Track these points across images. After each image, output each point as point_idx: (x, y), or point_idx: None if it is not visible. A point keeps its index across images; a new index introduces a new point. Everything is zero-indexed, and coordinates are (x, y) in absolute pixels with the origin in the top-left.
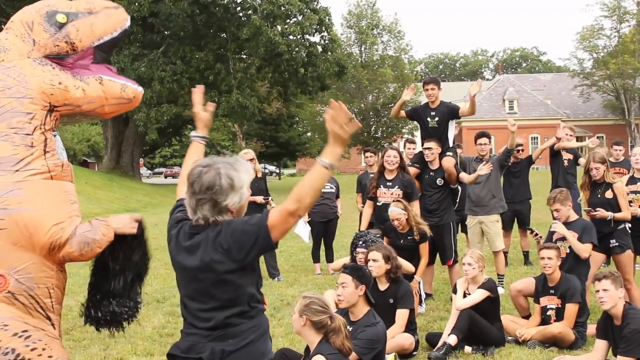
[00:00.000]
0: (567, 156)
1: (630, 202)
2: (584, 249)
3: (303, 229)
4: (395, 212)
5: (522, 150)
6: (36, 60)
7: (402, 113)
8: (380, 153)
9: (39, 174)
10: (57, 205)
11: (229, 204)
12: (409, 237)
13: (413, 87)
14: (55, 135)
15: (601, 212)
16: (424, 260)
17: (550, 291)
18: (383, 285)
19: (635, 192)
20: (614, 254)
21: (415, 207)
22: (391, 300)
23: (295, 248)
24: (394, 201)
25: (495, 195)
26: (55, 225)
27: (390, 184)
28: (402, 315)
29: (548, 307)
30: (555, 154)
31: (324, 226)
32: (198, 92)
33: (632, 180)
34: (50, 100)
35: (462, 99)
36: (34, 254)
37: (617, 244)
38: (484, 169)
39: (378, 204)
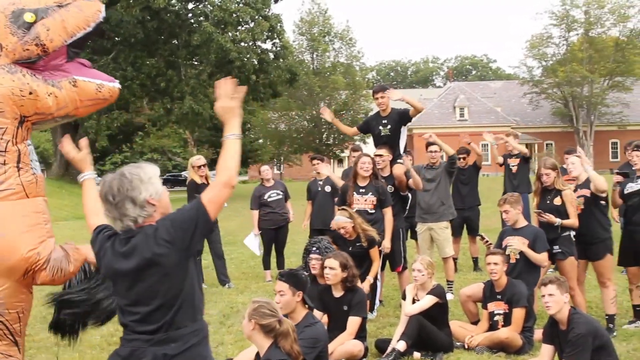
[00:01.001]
0: (513, 162)
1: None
2: (542, 259)
3: (253, 241)
4: (341, 221)
5: (466, 157)
6: (4, 68)
7: (355, 130)
8: (342, 159)
9: (13, 194)
10: (32, 228)
11: (146, 196)
12: (357, 244)
13: (324, 108)
14: (29, 145)
15: (550, 217)
16: (376, 263)
17: (497, 297)
18: (338, 293)
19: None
20: (557, 260)
21: (389, 213)
22: (345, 308)
23: (246, 255)
24: (339, 210)
25: (444, 203)
26: (30, 250)
27: (363, 190)
28: (353, 322)
29: (495, 312)
30: (504, 161)
31: (274, 233)
32: (65, 141)
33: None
34: (20, 111)
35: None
36: (8, 279)
37: (559, 250)
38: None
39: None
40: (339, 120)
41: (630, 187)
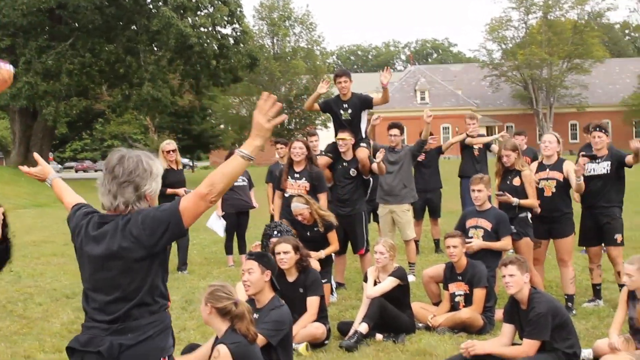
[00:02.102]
0: (478, 145)
1: (542, 189)
2: (506, 245)
3: (217, 223)
4: (298, 208)
5: (435, 140)
6: None
7: (316, 106)
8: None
9: None
10: None
11: (147, 190)
12: (315, 229)
13: (328, 81)
14: None
15: (507, 197)
16: (333, 246)
17: (458, 278)
18: (292, 277)
19: (547, 179)
20: (513, 241)
21: (323, 199)
22: (301, 290)
23: (208, 240)
24: (295, 196)
25: (406, 185)
26: None
27: (297, 175)
28: (312, 302)
29: (456, 293)
30: (465, 146)
31: (236, 218)
32: (25, 169)
33: (541, 167)
34: None
35: (374, 89)
36: None
37: (514, 230)
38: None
39: (286, 195)
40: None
41: (593, 170)
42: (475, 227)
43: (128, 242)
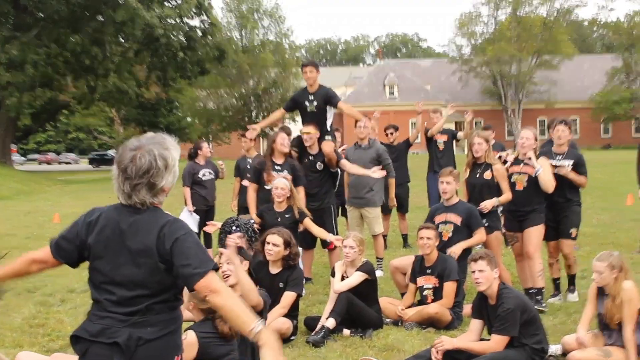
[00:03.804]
0: (441, 138)
1: (514, 182)
2: (479, 239)
3: (188, 219)
4: (281, 182)
5: (394, 132)
6: None
7: (283, 111)
8: (267, 138)
9: None
10: None
11: (164, 184)
12: (286, 215)
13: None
14: None
15: (489, 203)
16: (319, 230)
17: (427, 271)
18: (275, 269)
19: (519, 173)
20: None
21: (301, 192)
22: (281, 285)
23: None
24: (277, 175)
25: (373, 188)
26: None
27: (279, 167)
28: (288, 297)
29: (425, 287)
30: (429, 140)
31: (204, 214)
32: None
33: (516, 162)
34: None
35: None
36: None
37: (486, 224)
38: (377, 173)
39: (267, 187)
40: (259, 126)
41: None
42: (445, 222)
43: (159, 247)
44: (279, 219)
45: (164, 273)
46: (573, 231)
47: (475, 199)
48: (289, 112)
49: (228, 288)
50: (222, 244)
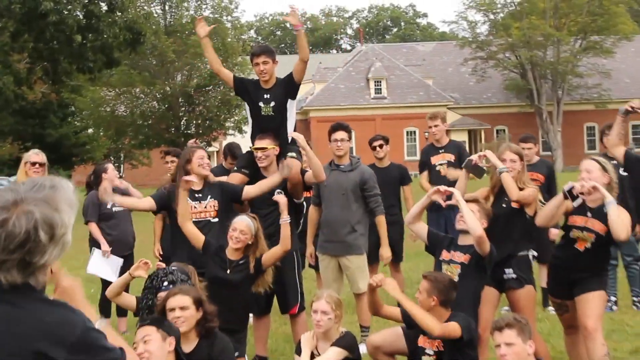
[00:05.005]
0: (442, 159)
1: (574, 239)
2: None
3: (102, 264)
4: (244, 222)
5: (383, 144)
6: None
7: (225, 72)
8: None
9: None
10: None
11: (47, 260)
12: (240, 262)
13: (200, 19)
14: None
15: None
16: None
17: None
18: (189, 345)
19: (583, 229)
20: (508, 290)
21: None
22: None
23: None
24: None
25: (355, 229)
26: None
27: (200, 195)
28: None
29: (426, 351)
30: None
31: (123, 262)
32: None
33: (580, 210)
34: None
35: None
36: None
37: (513, 275)
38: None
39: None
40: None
41: None
42: (449, 262)
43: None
44: (228, 271)
45: None
46: None
47: (499, 235)
48: (235, 89)
49: None
50: (148, 308)
